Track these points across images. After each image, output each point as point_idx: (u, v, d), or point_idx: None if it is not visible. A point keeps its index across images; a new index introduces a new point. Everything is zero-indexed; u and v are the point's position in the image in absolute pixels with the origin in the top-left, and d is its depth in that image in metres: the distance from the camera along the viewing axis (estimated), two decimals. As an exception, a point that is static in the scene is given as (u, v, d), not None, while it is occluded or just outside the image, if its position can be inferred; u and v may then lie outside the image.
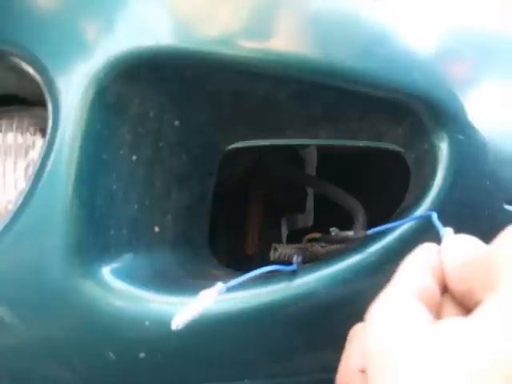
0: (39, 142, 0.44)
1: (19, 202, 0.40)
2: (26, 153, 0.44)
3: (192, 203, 0.47)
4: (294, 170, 0.61)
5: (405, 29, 0.39)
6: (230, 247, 0.63)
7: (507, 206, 0.38)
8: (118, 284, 0.40)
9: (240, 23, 0.39)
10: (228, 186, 0.56)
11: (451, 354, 0.22)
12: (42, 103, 0.41)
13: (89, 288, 0.40)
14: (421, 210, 0.38)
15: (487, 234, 0.27)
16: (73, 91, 0.39)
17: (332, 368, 0.33)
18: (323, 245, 0.42)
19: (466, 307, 0.27)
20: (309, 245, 0.42)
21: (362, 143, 0.44)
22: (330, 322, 0.40)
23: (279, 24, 0.38)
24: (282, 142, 0.45)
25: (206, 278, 0.44)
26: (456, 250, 0.28)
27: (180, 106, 0.42)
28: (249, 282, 0.40)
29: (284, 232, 0.73)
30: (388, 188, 0.52)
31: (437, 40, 0.39)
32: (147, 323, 0.40)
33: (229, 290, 0.32)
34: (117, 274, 0.40)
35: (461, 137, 0.38)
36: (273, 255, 0.42)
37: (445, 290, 0.28)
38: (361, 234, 0.40)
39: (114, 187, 0.41)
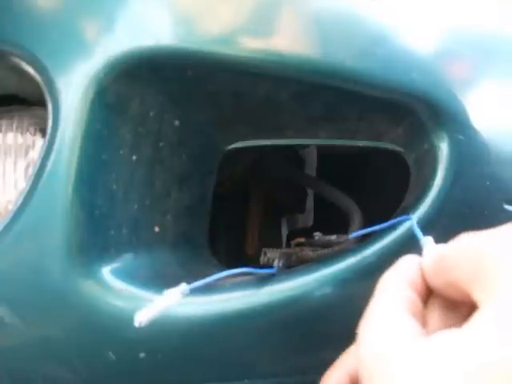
0: (39, 142, 0.44)
1: (19, 202, 0.40)
2: (26, 153, 0.44)
3: (192, 203, 0.47)
4: (293, 170, 0.61)
5: (404, 28, 0.39)
6: (229, 247, 0.63)
7: (507, 206, 0.38)
8: (118, 284, 0.40)
9: (240, 23, 0.39)
10: (228, 185, 0.56)
11: (444, 367, 0.22)
12: (42, 103, 0.41)
13: (89, 288, 0.40)
14: (421, 210, 0.38)
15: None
16: (73, 91, 0.39)
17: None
18: (314, 249, 0.42)
19: (452, 303, 0.27)
20: (298, 249, 0.43)
21: (361, 143, 0.44)
22: (325, 323, 0.40)
23: (279, 24, 0.38)
24: (282, 141, 0.45)
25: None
26: (433, 251, 0.28)
27: (180, 105, 0.42)
28: (248, 282, 0.41)
29: (284, 232, 0.73)
30: (388, 188, 0.52)
31: (436, 39, 0.39)
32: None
33: (192, 290, 0.33)
34: (117, 273, 0.40)
35: (461, 137, 0.38)
36: (262, 259, 0.42)
37: (427, 299, 0.28)
38: (343, 237, 0.40)
39: (114, 187, 0.41)
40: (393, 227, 0.38)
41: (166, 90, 0.41)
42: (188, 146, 0.45)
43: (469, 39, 0.40)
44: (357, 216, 0.45)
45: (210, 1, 0.39)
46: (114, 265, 0.41)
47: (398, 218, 0.37)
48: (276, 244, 0.64)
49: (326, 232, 0.43)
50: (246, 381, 0.42)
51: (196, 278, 0.44)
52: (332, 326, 0.40)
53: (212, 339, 0.41)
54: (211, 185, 0.48)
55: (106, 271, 0.40)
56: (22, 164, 0.44)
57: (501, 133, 0.39)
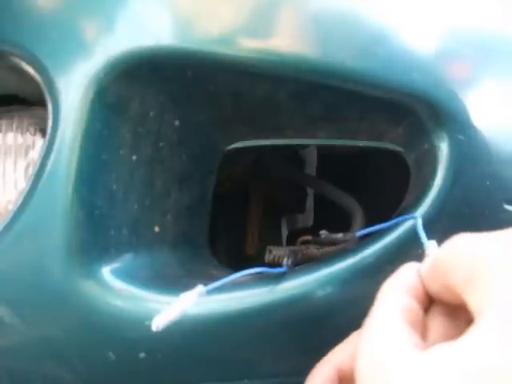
0: (39, 142, 0.44)
1: (19, 201, 0.40)
2: (26, 153, 0.44)
3: (192, 203, 0.47)
4: (293, 170, 0.61)
5: (404, 28, 0.39)
6: (229, 247, 0.63)
7: (507, 206, 0.38)
8: (118, 284, 0.40)
9: (240, 23, 0.39)
10: (228, 185, 0.56)
11: (443, 380, 0.21)
12: (42, 103, 0.41)
13: (89, 288, 0.40)
14: (421, 210, 0.38)
15: (487, 233, 0.27)
16: (73, 91, 0.39)
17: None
18: (318, 247, 0.42)
19: (453, 310, 0.27)
20: (304, 247, 0.42)
21: (361, 143, 0.44)
22: (325, 323, 0.40)
23: (279, 24, 0.38)
24: (281, 141, 0.45)
25: (205, 278, 0.44)
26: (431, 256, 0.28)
27: (180, 105, 0.42)
28: (249, 282, 0.41)
29: (284, 232, 0.73)
30: (388, 188, 0.52)
31: (436, 39, 0.39)
32: (147, 323, 0.39)
33: (209, 292, 0.32)
34: (117, 274, 0.40)
35: (461, 137, 0.38)
36: (267, 257, 0.42)
37: (428, 305, 0.28)
38: (349, 236, 0.40)
39: (114, 187, 0.41)
40: (395, 226, 0.38)
41: (166, 90, 0.41)
42: (188, 146, 0.45)
43: (469, 39, 0.40)
44: (359, 215, 0.45)
45: (210, 1, 0.39)
46: (114, 265, 0.41)
47: (404, 216, 0.37)
48: (276, 244, 0.64)
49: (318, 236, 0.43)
50: (245, 381, 0.42)
51: (196, 278, 0.44)
52: (335, 325, 0.40)
53: (212, 339, 0.41)
54: (211, 185, 0.48)
55: (106, 271, 0.40)
56: (21, 164, 0.44)
57: (501, 133, 0.39)
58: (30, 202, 0.40)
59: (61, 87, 0.39)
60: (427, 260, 0.28)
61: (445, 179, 0.38)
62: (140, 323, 0.39)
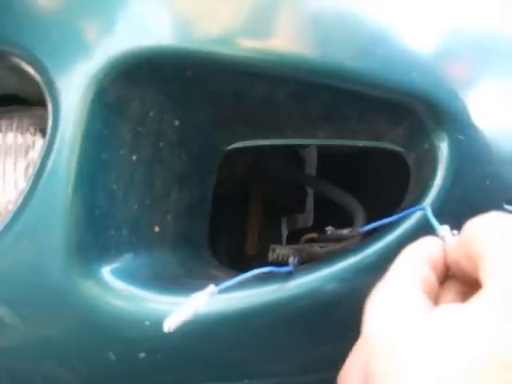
0: (39, 142, 0.44)
1: (19, 202, 0.40)
2: (26, 153, 0.44)
3: (192, 203, 0.47)
4: (293, 170, 0.61)
5: (404, 28, 0.39)
6: (229, 247, 0.63)
7: (507, 206, 0.38)
8: (118, 284, 0.40)
9: (239, 23, 0.39)
10: (228, 185, 0.56)
11: (449, 343, 0.23)
12: (42, 103, 0.41)
13: (89, 288, 0.40)
14: (421, 210, 0.38)
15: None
16: (73, 91, 0.39)
17: (331, 367, 0.33)
18: (322, 245, 0.42)
19: (467, 287, 0.28)
20: (307, 245, 0.42)
21: (361, 143, 0.44)
22: (328, 322, 0.40)
23: (278, 24, 0.38)
24: (281, 141, 0.45)
25: (206, 278, 0.44)
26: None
27: (180, 105, 0.42)
28: (249, 282, 0.41)
29: (284, 232, 0.73)
30: (388, 188, 0.52)
31: (436, 39, 0.39)
32: (147, 323, 0.40)
33: (221, 291, 0.32)
34: (117, 274, 0.40)
35: (461, 137, 0.38)
36: (271, 256, 0.42)
37: (443, 280, 0.29)
38: (355, 231, 0.40)
39: (114, 187, 0.41)
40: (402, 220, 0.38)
41: (165, 90, 0.41)
42: (188, 146, 0.45)
43: (469, 39, 0.40)
44: (360, 214, 0.45)
45: (210, 1, 0.39)
46: (114, 265, 0.41)
47: (412, 208, 0.37)
48: (276, 244, 0.64)
49: (324, 232, 0.43)
50: (245, 381, 0.42)
51: (196, 278, 0.44)
52: (336, 325, 0.40)
53: (212, 339, 0.41)
54: (211, 185, 0.48)
55: (106, 271, 0.40)
56: (22, 164, 0.44)
57: (501, 132, 0.39)
58: (30, 201, 0.40)
59: (61, 87, 0.39)
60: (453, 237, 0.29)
61: (445, 179, 0.38)
62: (140, 323, 0.40)
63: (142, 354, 0.40)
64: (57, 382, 0.44)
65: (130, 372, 0.42)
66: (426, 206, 0.35)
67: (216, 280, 0.34)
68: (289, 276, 0.39)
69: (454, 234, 0.30)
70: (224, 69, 0.39)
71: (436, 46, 0.39)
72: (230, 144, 0.46)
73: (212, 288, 0.32)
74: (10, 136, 0.45)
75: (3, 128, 0.45)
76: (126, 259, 0.42)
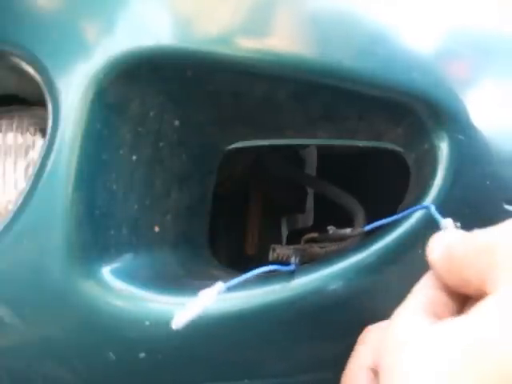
0: (39, 142, 0.44)
1: (19, 201, 0.40)
2: (26, 153, 0.44)
3: (192, 203, 0.47)
4: (293, 170, 0.61)
5: (404, 28, 0.39)
6: (229, 247, 0.63)
7: (507, 206, 0.38)
8: (118, 284, 0.40)
9: (239, 23, 0.39)
10: (228, 185, 0.56)
11: (449, 354, 0.23)
12: (42, 103, 0.41)
13: (89, 288, 0.40)
14: (421, 211, 0.38)
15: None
16: (73, 91, 0.39)
17: (332, 367, 0.33)
18: (322, 245, 0.42)
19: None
20: (307, 245, 0.42)
21: (361, 143, 0.44)
22: (329, 322, 0.40)
23: (277, 24, 0.38)
24: (281, 141, 0.45)
25: (206, 278, 0.44)
26: (441, 244, 0.29)
27: (180, 105, 0.42)
28: (248, 282, 0.41)
29: (284, 232, 0.73)
30: (388, 188, 0.52)
31: (436, 39, 0.39)
32: (147, 323, 0.40)
33: (228, 289, 0.32)
34: (117, 274, 0.40)
35: (461, 137, 0.38)
36: (271, 256, 0.42)
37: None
38: (358, 230, 0.40)
39: (114, 187, 0.41)
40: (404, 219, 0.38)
41: (166, 90, 0.41)
42: (188, 146, 0.45)
43: (469, 39, 0.40)
44: (361, 214, 0.45)
45: (209, 1, 0.39)
46: (114, 265, 0.41)
47: (415, 207, 0.37)
48: (276, 244, 0.64)
49: (324, 232, 0.43)
50: (246, 381, 0.42)
51: (196, 278, 0.44)
52: (338, 324, 0.40)
53: (213, 339, 0.41)
54: (211, 185, 0.48)
55: (106, 271, 0.40)
56: (22, 164, 0.44)
57: (501, 132, 0.39)
58: (30, 202, 0.40)
59: (61, 87, 0.39)
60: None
61: (445, 179, 0.38)
62: (140, 323, 0.40)
63: (142, 354, 0.40)
64: (57, 381, 0.44)
65: (130, 372, 0.42)
66: (430, 205, 0.35)
67: (216, 280, 0.34)
68: (290, 276, 0.39)
69: (457, 227, 0.30)
70: (224, 69, 0.39)
71: (436, 46, 0.39)
72: (230, 144, 0.46)
73: (220, 285, 0.32)
74: (10, 136, 0.45)
75: (3, 128, 0.45)
76: (126, 259, 0.42)
